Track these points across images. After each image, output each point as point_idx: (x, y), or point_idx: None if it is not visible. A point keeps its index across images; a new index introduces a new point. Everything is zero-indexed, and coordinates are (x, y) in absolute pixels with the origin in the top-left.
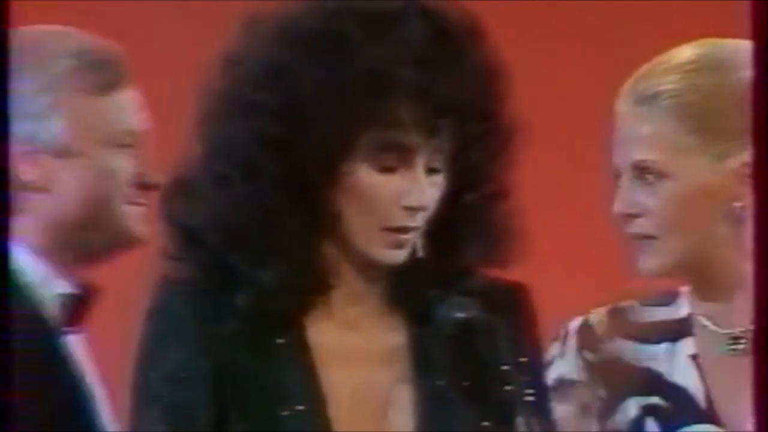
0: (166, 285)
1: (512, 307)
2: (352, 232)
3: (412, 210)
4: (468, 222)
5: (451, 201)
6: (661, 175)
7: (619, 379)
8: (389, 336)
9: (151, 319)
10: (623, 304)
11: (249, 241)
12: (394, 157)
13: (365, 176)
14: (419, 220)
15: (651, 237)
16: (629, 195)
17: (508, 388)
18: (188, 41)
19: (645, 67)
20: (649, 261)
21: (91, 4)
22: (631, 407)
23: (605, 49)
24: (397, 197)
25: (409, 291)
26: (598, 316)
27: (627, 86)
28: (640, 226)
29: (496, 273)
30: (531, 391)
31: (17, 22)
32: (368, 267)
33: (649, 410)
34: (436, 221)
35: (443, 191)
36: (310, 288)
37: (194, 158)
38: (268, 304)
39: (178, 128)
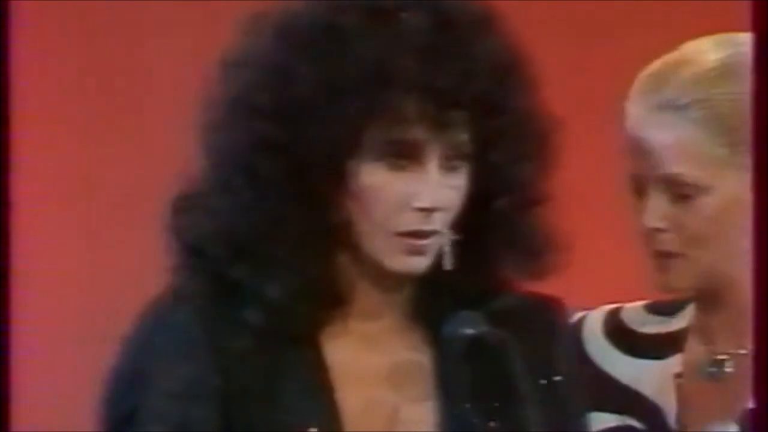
0: (175, 300)
1: (545, 324)
2: (364, 239)
3: (425, 211)
4: (498, 232)
5: (479, 208)
6: (696, 189)
7: (595, 391)
8: (411, 354)
9: (159, 334)
10: (627, 306)
11: (253, 253)
12: (403, 155)
13: (373, 176)
14: (437, 223)
15: (675, 254)
16: (659, 209)
17: (537, 409)
18: (191, 42)
19: (658, 67)
20: (672, 279)
21: (92, 4)
22: (603, 421)
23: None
24: (407, 198)
25: (433, 306)
26: (595, 316)
27: (641, 87)
28: (665, 242)
29: (531, 287)
30: (565, 411)
31: (17, 22)
32: (385, 277)
33: (621, 430)
34: (463, 230)
35: (468, 196)
36: (320, 301)
37: (200, 169)
38: (276, 318)
39: (182, 134)
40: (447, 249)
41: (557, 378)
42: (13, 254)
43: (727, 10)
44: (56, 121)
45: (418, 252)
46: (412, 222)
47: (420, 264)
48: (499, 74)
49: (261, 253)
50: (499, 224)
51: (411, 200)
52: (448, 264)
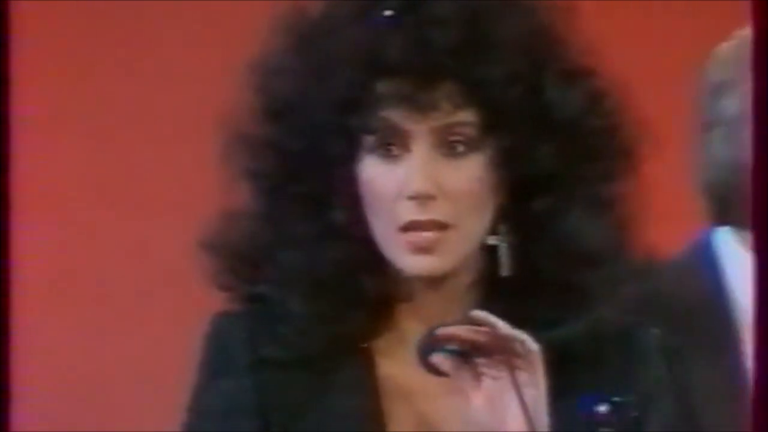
0: (221, 315)
1: (615, 346)
2: (379, 241)
3: (416, 199)
4: (539, 234)
5: (520, 208)
6: None
7: None
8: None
9: (203, 349)
10: None
11: (274, 265)
12: (391, 143)
13: (370, 170)
14: (434, 212)
15: None
16: None
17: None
18: (192, 44)
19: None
20: None
21: (92, 4)
22: None
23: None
24: (399, 188)
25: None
26: None
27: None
28: None
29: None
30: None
31: (17, 22)
32: (416, 283)
33: None
34: (515, 233)
35: (510, 192)
36: (350, 311)
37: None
38: (306, 330)
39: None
40: (503, 254)
41: (623, 399)
42: (13, 255)
43: (727, 10)
44: (57, 121)
45: (422, 249)
46: (407, 213)
47: (429, 264)
48: (489, 48)
49: (281, 266)
50: (544, 227)
51: (403, 190)
52: (504, 270)
